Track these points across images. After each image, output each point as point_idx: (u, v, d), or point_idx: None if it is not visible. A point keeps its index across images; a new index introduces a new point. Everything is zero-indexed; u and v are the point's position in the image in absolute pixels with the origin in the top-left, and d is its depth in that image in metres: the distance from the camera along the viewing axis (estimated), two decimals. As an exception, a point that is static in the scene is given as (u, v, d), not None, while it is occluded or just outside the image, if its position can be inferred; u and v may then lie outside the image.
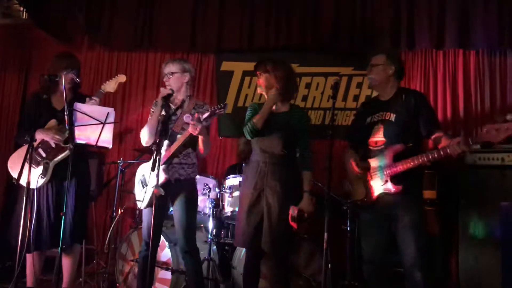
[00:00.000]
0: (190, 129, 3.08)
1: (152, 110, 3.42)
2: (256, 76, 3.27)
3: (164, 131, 3.18)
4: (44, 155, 3.43)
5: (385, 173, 2.93)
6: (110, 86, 3.57)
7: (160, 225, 3.38)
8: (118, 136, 5.18)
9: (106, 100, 3.59)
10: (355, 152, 3.17)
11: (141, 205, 3.35)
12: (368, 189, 3.02)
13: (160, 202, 3.16)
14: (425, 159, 2.80)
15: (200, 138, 3.24)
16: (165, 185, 3.13)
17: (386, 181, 2.92)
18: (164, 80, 3.42)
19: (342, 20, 4.76)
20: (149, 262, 3.00)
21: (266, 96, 3.23)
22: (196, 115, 3.09)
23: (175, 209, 3.32)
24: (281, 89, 3.14)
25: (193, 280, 3.32)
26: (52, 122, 3.48)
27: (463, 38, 4.39)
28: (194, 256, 3.31)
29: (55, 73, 3.44)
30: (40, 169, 3.39)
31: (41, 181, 3.38)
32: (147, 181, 3.32)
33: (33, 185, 3.29)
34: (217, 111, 3.00)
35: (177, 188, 3.29)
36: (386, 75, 3.10)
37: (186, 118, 3.06)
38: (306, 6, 4.86)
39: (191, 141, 3.29)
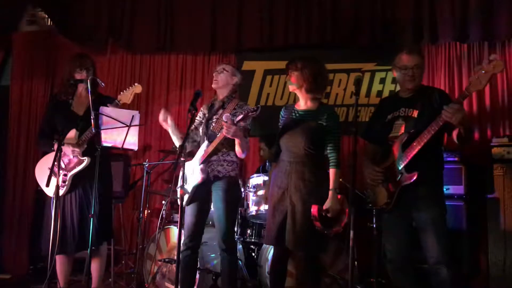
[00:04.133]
0: (224, 131, 3.08)
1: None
2: (287, 75, 3.20)
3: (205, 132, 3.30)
4: (63, 166, 3.45)
5: (400, 165, 2.90)
6: (125, 97, 3.58)
7: (201, 224, 3.38)
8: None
9: (130, 103, 3.62)
10: (374, 148, 3.17)
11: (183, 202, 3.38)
12: (389, 188, 2.96)
13: (202, 202, 3.27)
14: (427, 135, 2.76)
15: (237, 141, 3.22)
16: (204, 184, 3.19)
17: (401, 173, 2.89)
18: (213, 75, 3.45)
19: (363, 15, 4.71)
20: (177, 263, 3.01)
21: (298, 93, 3.21)
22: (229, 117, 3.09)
23: (214, 207, 3.34)
24: (306, 89, 3.13)
25: (226, 280, 3.33)
26: (72, 133, 3.49)
27: (487, 30, 4.30)
28: (230, 254, 3.31)
29: (69, 74, 3.52)
30: (60, 179, 3.39)
31: (61, 191, 3.39)
32: (188, 179, 3.35)
33: (51, 193, 3.38)
34: (250, 113, 2.99)
35: (216, 185, 3.31)
36: None
37: (226, 117, 3.08)
38: (325, 2, 4.82)
39: (229, 142, 3.29)
